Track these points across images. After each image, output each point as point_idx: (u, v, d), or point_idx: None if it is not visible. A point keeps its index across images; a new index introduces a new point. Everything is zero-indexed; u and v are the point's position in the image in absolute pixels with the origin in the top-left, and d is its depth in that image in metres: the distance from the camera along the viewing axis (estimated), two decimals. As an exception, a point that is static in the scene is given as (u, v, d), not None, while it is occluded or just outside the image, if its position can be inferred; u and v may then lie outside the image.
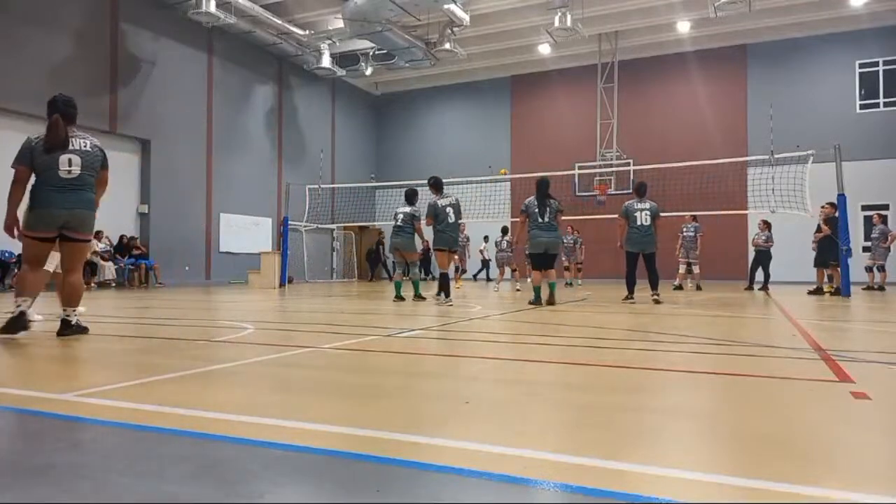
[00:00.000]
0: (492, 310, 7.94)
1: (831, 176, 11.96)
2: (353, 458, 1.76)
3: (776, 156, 14.43)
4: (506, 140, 25.39)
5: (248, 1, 17.56)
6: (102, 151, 4.94)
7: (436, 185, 9.57)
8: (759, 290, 13.93)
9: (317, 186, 19.80)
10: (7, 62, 13.94)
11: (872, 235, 15.10)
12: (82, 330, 4.71)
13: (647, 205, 9.62)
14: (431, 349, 4.33)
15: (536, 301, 8.66)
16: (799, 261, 14.01)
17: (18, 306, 4.48)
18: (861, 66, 20.56)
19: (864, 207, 19.17)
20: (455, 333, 5.29)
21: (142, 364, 3.62)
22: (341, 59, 22.31)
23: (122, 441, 2.01)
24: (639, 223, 9.53)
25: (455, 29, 19.42)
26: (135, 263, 16.22)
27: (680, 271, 15.08)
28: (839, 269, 11.93)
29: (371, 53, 22.05)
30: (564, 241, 17.34)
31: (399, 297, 9.51)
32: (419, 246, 10.24)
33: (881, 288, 14.34)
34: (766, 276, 14.25)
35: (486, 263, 22.02)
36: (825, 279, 12.59)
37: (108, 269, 15.50)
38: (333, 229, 23.88)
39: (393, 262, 10.12)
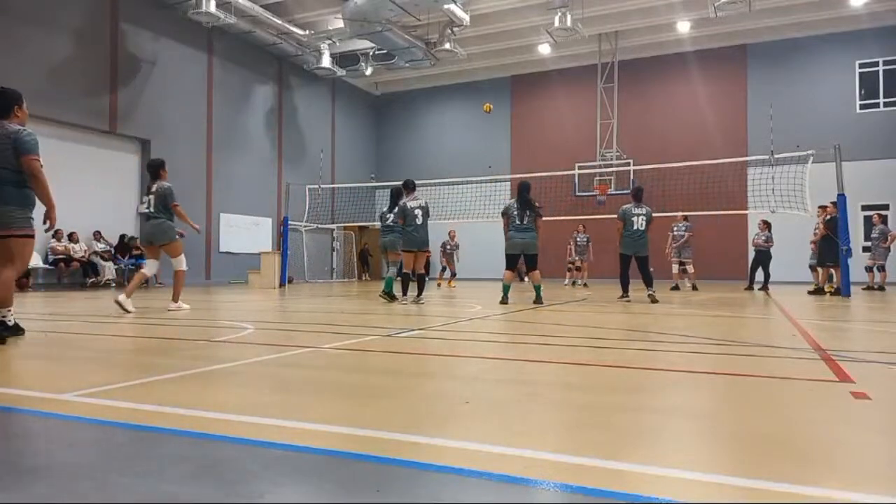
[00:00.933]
0: (492, 310, 7.94)
1: (831, 176, 11.96)
2: (353, 458, 1.76)
3: (776, 156, 14.43)
4: (506, 140, 25.39)
5: (248, 1, 17.56)
6: (16, 136, 4.39)
7: (407, 187, 9.64)
8: (759, 290, 13.94)
9: (317, 186, 19.80)
10: (7, 62, 13.93)
11: (872, 235, 15.11)
12: (17, 331, 4.59)
13: (644, 210, 10.06)
14: (431, 349, 4.33)
15: (504, 300, 8.85)
16: (799, 261, 14.03)
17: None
18: (861, 66, 20.56)
19: (864, 207, 19.17)
20: (455, 333, 5.29)
21: (142, 364, 3.62)
22: (341, 59, 22.31)
23: (122, 441, 2.01)
24: (635, 227, 9.99)
25: (455, 29, 19.42)
26: (135, 263, 16.21)
27: (674, 271, 15.10)
28: (839, 269, 11.94)
29: (371, 53, 22.05)
30: (578, 240, 17.39)
31: (387, 294, 9.54)
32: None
33: (881, 288, 14.35)
34: (766, 276, 14.25)
35: None
36: (827, 279, 12.60)
37: (108, 269, 15.49)
38: (333, 229, 23.88)
39: (386, 261, 10.18)
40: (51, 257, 14.55)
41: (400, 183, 9.86)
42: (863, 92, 20.56)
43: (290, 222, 18.12)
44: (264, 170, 21.58)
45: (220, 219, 19.78)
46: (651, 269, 10.18)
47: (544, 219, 9.63)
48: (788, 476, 1.62)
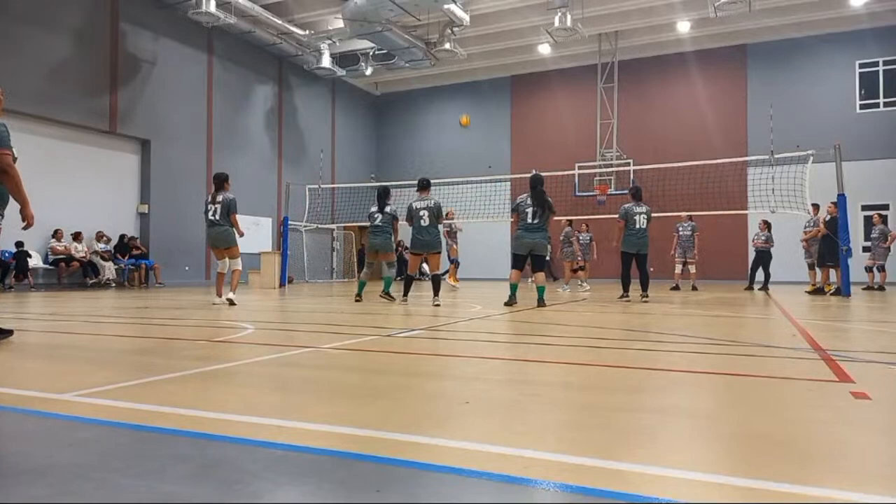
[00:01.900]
0: (492, 310, 7.94)
1: (831, 176, 11.96)
2: (353, 458, 1.76)
3: (776, 156, 14.43)
4: (506, 140, 25.39)
5: (248, 1, 17.56)
6: None
7: (421, 185, 9.31)
8: (760, 290, 13.94)
9: (317, 186, 19.80)
10: (7, 62, 13.93)
11: (872, 235, 15.11)
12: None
13: (644, 208, 10.11)
14: (431, 349, 4.33)
15: (511, 301, 8.44)
16: (799, 261, 14.02)
17: None
18: (861, 66, 20.56)
19: (864, 207, 19.18)
20: (455, 333, 5.29)
21: (142, 364, 3.62)
22: (341, 59, 22.31)
23: (122, 441, 2.01)
24: (637, 226, 10.04)
25: (455, 29, 19.42)
26: (135, 263, 16.22)
27: (676, 271, 15.10)
28: (839, 269, 11.95)
29: (371, 53, 22.06)
30: (580, 239, 17.27)
31: (359, 297, 9.37)
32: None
33: (881, 288, 14.35)
34: (767, 276, 14.26)
35: None
36: (827, 278, 12.60)
37: (109, 269, 15.50)
38: (333, 229, 23.88)
39: (370, 262, 9.83)
40: (51, 257, 14.55)
41: (388, 184, 9.80)
42: (863, 92, 20.56)
43: (290, 222, 18.12)
44: (264, 170, 21.58)
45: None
46: (651, 269, 10.24)
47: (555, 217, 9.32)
48: (788, 476, 1.62)
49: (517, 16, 19.68)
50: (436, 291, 8.99)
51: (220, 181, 9.32)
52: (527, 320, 6.47)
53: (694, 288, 14.57)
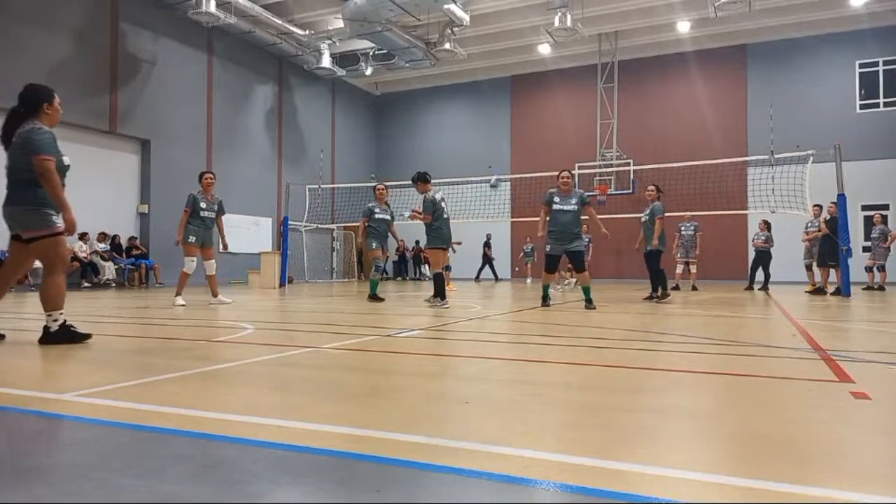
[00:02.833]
0: (492, 310, 7.94)
1: (831, 176, 11.96)
2: (353, 458, 1.76)
3: (776, 156, 14.43)
4: (506, 140, 25.40)
5: (248, 1, 17.56)
6: (27, 136, 4.37)
7: (424, 180, 8.68)
8: (760, 290, 13.94)
9: (317, 186, 19.80)
10: (7, 62, 13.93)
11: (872, 235, 15.11)
12: (67, 337, 4.30)
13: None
14: (431, 349, 4.32)
15: (545, 302, 8.19)
16: (799, 261, 14.02)
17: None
18: (861, 66, 20.57)
19: (864, 207, 19.18)
20: (455, 333, 5.29)
21: (142, 364, 3.62)
22: (341, 59, 22.31)
23: (122, 441, 2.01)
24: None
25: (455, 29, 19.43)
26: (134, 263, 16.22)
27: (678, 271, 15.09)
28: (839, 269, 11.95)
29: (371, 53, 22.06)
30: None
31: (374, 296, 9.35)
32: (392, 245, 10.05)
33: (881, 288, 14.35)
34: (767, 276, 14.26)
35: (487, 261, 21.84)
36: (827, 278, 12.60)
37: (108, 269, 15.50)
38: (333, 229, 23.88)
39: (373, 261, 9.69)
40: (51, 257, 14.54)
41: (388, 184, 9.71)
42: (863, 92, 20.56)
43: (290, 222, 18.12)
44: (264, 170, 21.58)
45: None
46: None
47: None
48: (788, 476, 1.62)
49: (517, 16, 19.68)
50: (442, 293, 8.54)
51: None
52: (526, 320, 6.47)
53: (694, 288, 14.55)
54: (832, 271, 12.46)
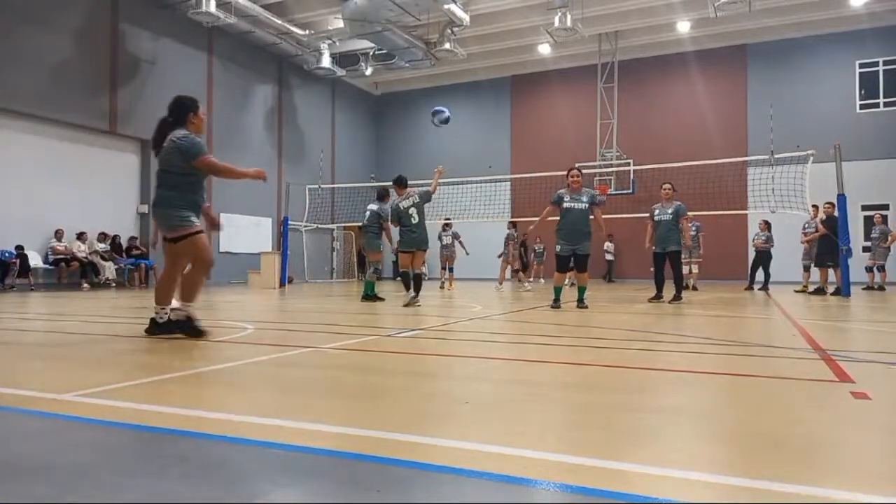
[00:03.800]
0: (492, 310, 7.94)
1: (831, 176, 11.96)
2: (353, 458, 1.76)
3: (776, 156, 14.43)
4: (506, 140, 25.40)
5: (248, 1, 17.56)
6: (177, 144, 4.66)
7: (398, 183, 9.07)
8: (760, 290, 13.94)
9: (317, 186, 19.80)
10: (7, 62, 13.93)
11: (872, 235, 15.11)
12: (181, 327, 4.66)
13: (658, 205, 10.11)
14: (431, 349, 4.33)
15: (555, 304, 8.07)
16: (799, 261, 14.03)
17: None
18: (861, 66, 20.56)
19: (864, 207, 19.17)
20: (455, 333, 5.29)
21: (142, 364, 3.62)
22: (341, 59, 22.31)
23: (123, 441, 2.01)
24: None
25: (455, 29, 19.42)
26: (134, 264, 16.22)
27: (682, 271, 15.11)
28: (838, 270, 11.94)
29: (371, 53, 22.06)
30: None
31: (367, 297, 9.54)
32: (386, 246, 10.13)
33: (881, 288, 14.35)
34: (767, 276, 14.26)
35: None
36: (826, 279, 12.59)
37: (109, 270, 15.50)
38: (333, 229, 23.89)
39: (367, 261, 10.00)
40: (51, 257, 14.55)
41: (388, 184, 9.70)
42: (863, 92, 20.56)
43: (290, 222, 18.12)
44: (264, 170, 21.53)
45: (219, 219, 19.77)
46: (651, 269, 10.14)
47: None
48: (789, 476, 1.62)
49: (517, 16, 19.69)
50: (417, 291, 8.73)
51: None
52: (527, 320, 6.47)
53: (694, 288, 14.56)
54: (831, 271, 12.45)
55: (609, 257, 21.46)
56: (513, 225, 15.87)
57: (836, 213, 12.02)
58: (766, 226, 14.68)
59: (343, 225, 23.77)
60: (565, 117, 24.24)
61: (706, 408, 2.56)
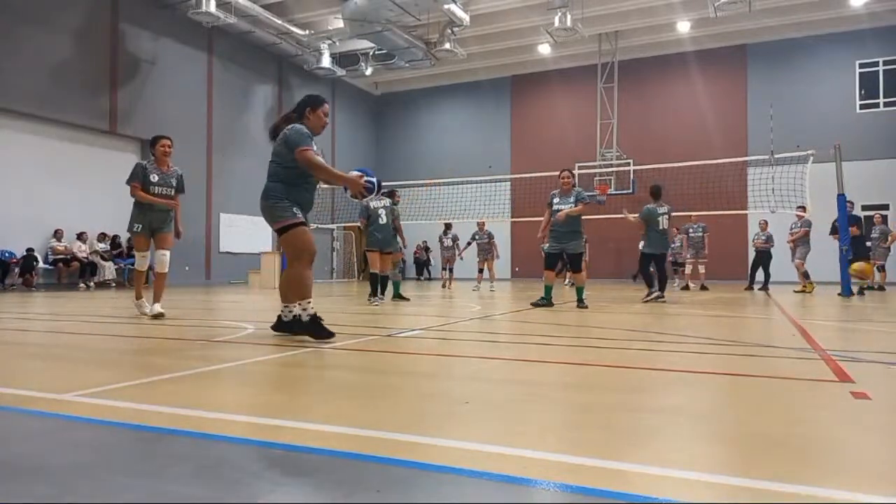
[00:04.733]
0: (492, 310, 7.94)
1: (831, 176, 11.96)
2: (353, 458, 1.76)
3: (776, 156, 14.43)
4: (506, 140, 25.40)
5: (248, 1, 17.57)
6: (287, 132, 4.67)
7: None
8: (760, 290, 13.95)
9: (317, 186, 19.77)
10: (7, 62, 13.94)
11: (872, 235, 15.11)
12: (314, 329, 4.50)
13: (666, 208, 9.85)
14: (431, 349, 4.32)
15: (544, 302, 8.19)
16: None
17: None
18: (861, 66, 20.57)
19: (864, 207, 19.17)
20: (455, 333, 5.29)
21: (142, 364, 3.62)
22: (341, 59, 22.31)
23: (122, 441, 2.01)
24: (661, 227, 9.76)
25: (455, 29, 19.43)
26: (134, 263, 16.21)
27: (686, 271, 15.15)
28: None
29: (371, 53, 22.06)
30: None
31: (398, 296, 9.86)
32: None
33: (881, 288, 14.35)
34: (767, 276, 14.27)
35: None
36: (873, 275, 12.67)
37: (108, 269, 15.50)
38: (333, 229, 23.90)
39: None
40: (51, 257, 14.56)
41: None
42: (863, 92, 20.56)
43: (290, 222, 18.06)
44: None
45: (219, 219, 19.78)
46: (651, 269, 10.13)
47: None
48: (788, 476, 1.62)
49: (517, 16, 19.69)
50: (382, 290, 9.21)
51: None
52: (527, 320, 6.47)
53: (703, 287, 14.65)
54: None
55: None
56: (479, 226, 16.08)
57: (852, 213, 12.14)
58: (767, 226, 14.72)
59: (343, 225, 23.77)
60: (565, 117, 24.24)
61: (706, 408, 2.56)
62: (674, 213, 10.35)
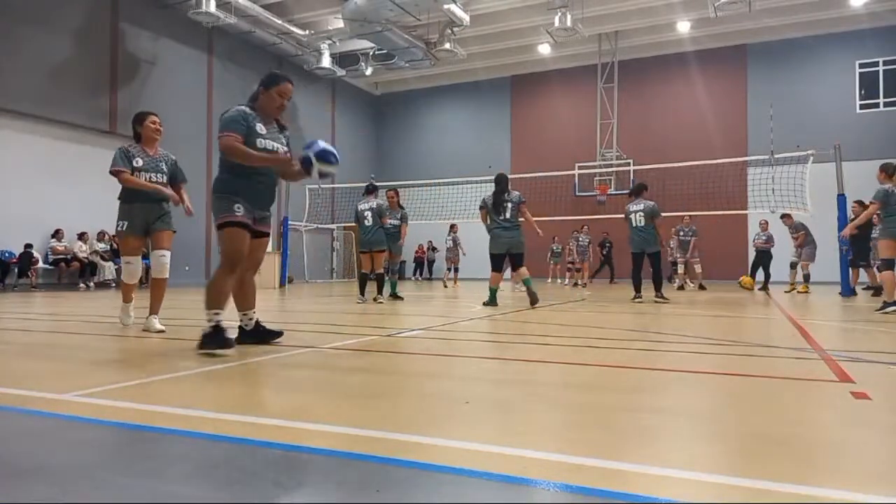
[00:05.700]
0: (492, 309, 7.94)
1: (831, 176, 11.96)
2: (353, 458, 1.76)
3: (776, 156, 14.44)
4: (506, 140, 25.40)
5: (248, 1, 17.57)
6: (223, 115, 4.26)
7: (367, 189, 10.03)
8: (760, 290, 13.95)
9: (317, 186, 19.80)
10: (7, 62, 13.93)
11: (873, 235, 15.12)
12: (212, 341, 3.80)
13: (641, 205, 9.79)
14: (431, 349, 4.32)
15: (491, 303, 8.28)
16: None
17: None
18: (861, 66, 20.57)
19: (864, 207, 19.16)
20: (455, 333, 5.29)
21: (142, 364, 3.62)
22: (341, 59, 22.32)
23: (122, 441, 2.01)
24: (634, 224, 9.77)
25: (455, 29, 19.44)
26: (134, 263, 16.20)
27: (679, 271, 15.13)
28: (870, 269, 12.02)
29: (371, 53, 22.07)
30: (578, 241, 17.16)
31: (393, 296, 9.95)
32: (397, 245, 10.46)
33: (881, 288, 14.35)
34: (767, 276, 14.27)
35: None
36: (858, 279, 12.65)
37: (108, 269, 15.50)
38: (333, 229, 23.89)
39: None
40: (51, 257, 14.55)
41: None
42: (863, 92, 20.56)
43: (290, 222, 18.12)
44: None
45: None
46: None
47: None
48: (789, 476, 1.62)
49: (517, 16, 19.69)
50: (379, 290, 9.38)
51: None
52: (527, 320, 6.47)
53: (681, 287, 14.67)
54: (862, 271, 12.52)
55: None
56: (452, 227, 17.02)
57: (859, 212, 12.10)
58: (767, 226, 14.72)
59: (343, 225, 23.76)
60: (565, 117, 24.25)
61: (706, 408, 2.56)
62: (668, 214, 10.34)
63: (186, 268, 18.28)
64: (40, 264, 14.49)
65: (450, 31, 19.50)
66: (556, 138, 24.15)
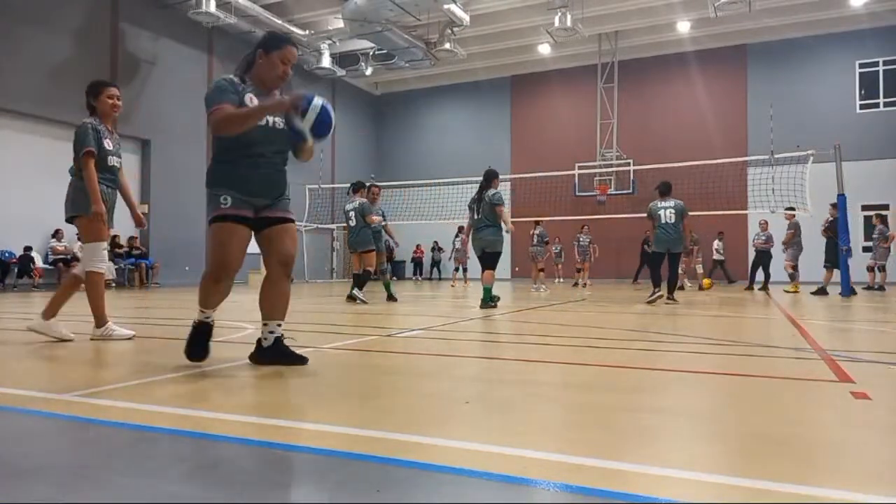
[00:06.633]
0: (493, 309, 7.93)
1: (831, 176, 11.97)
2: (353, 458, 1.76)
3: (776, 156, 14.45)
4: (506, 140, 25.40)
5: (248, 1, 17.58)
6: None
7: (353, 187, 9.90)
8: (760, 290, 13.96)
9: (317, 186, 19.79)
10: (7, 62, 13.93)
11: (873, 236, 15.14)
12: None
13: (672, 203, 9.45)
14: (431, 349, 4.32)
15: (486, 302, 7.97)
16: (801, 262, 14.05)
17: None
18: (861, 66, 20.57)
19: (864, 207, 19.17)
20: (455, 333, 5.29)
21: (142, 364, 3.62)
22: (341, 59, 22.31)
23: (122, 441, 2.01)
24: (664, 221, 9.39)
25: (455, 29, 19.44)
26: (134, 263, 16.22)
27: (679, 271, 15.15)
28: (832, 272, 12.07)
29: (371, 53, 22.07)
30: (579, 241, 17.13)
31: (390, 297, 9.86)
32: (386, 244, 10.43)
33: (881, 288, 14.36)
34: (767, 276, 14.27)
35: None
36: (829, 279, 12.68)
37: (109, 270, 15.50)
38: (333, 229, 23.89)
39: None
40: (51, 257, 14.55)
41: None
42: (863, 92, 20.56)
43: (289, 222, 18.10)
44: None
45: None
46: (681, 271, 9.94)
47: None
48: (789, 476, 1.62)
49: (517, 16, 19.70)
50: (358, 286, 9.14)
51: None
52: (527, 320, 6.47)
53: (681, 288, 14.66)
54: (834, 271, 12.54)
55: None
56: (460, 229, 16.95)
57: (835, 215, 12.13)
58: (767, 226, 14.73)
59: (343, 225, 23.75)
60: (565, 117, 24.25)
61: (706, 408, 2.56)
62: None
63: (186, 268, 18.28)
64: (40, 264, 14.49)
65: (450, 31, 19.50)
66: (556, 138, 24.15)
